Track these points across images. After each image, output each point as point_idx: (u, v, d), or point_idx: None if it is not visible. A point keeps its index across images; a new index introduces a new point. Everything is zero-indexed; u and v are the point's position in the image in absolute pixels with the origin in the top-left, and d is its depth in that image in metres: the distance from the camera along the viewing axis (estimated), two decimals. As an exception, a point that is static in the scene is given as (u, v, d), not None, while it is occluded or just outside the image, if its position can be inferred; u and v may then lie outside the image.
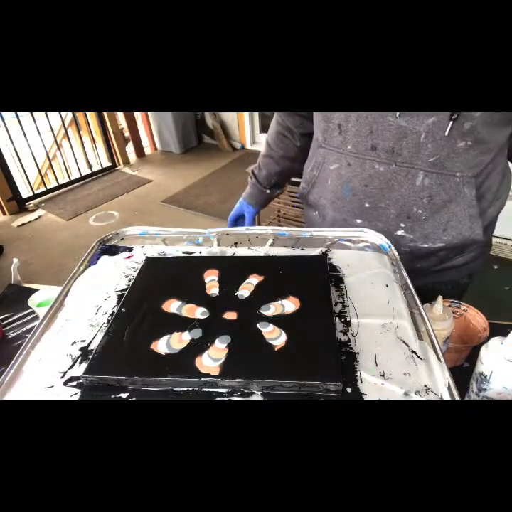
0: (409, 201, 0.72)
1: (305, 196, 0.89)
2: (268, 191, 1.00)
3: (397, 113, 0.66)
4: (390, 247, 0.64)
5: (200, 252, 0.66)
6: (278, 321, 0.48)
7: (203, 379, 0.42)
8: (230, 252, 0.66)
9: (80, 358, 0.47)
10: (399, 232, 0.75)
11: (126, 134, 4.02)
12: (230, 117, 4.00)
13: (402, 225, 0.75)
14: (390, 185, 0.72)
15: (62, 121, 3.58)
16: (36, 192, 3.41)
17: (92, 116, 3.74)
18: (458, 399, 0.40)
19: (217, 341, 0.46)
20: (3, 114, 3.06)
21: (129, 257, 0.66)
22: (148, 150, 4.22)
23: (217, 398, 0.41)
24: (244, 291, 0.54)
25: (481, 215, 0.73)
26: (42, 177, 3.54)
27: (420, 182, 0.70)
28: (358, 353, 0.45)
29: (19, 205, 3.25)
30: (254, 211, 1.03)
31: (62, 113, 3.50)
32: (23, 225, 3.07)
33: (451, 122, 0.64)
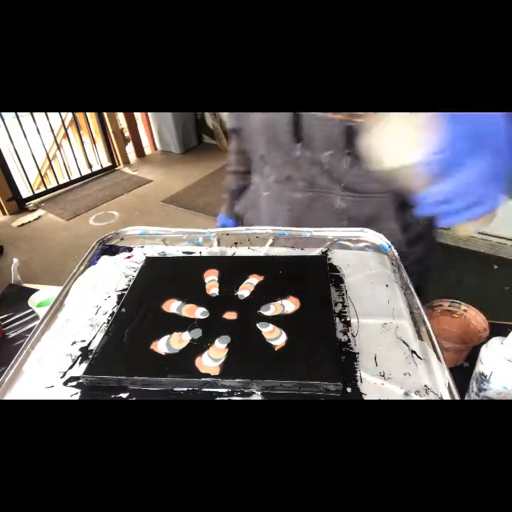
0: (329, 224, 0.72)
1: (241, 217, 0.94)
2: None
3: (298, 150, 0.69)
4: (390, 247, 0.64)
5: (200, 252, 0.66)
6: (278, 321, 0.48)
7: (203, 379, 0.42)
8: (230, 252, 0.66)
9: (79, 358, 0.47)
10: None
11: (126, 134, 4.02)
12: (230, 117, 4.00)
13: None
14: (311, 210, 0.75)
15: (62, 121, 3.58)
16: (36, 192, 3.41)
17: (92, 116, 3.74)
18: (458, 399, 0.40)
19: (217, 341, 0.46)
20: (3, 114, 3.06)
21: (129, 257, 0.66)
22: (148, 150, 4.22)
23: (217, 398, 0.41)
24: (244, 291, 0.54)
25: (406, 229, 0.73)
26: (42, 177, 3.54)
27: (338, 205, 0.72)
28: (358, 353, 0.45)
29: (19, 205, 3.25)
30: None
31: (62, 113, 3.50)
32: (23, 225, 3.07)
33: (348, 158, 0.65)
